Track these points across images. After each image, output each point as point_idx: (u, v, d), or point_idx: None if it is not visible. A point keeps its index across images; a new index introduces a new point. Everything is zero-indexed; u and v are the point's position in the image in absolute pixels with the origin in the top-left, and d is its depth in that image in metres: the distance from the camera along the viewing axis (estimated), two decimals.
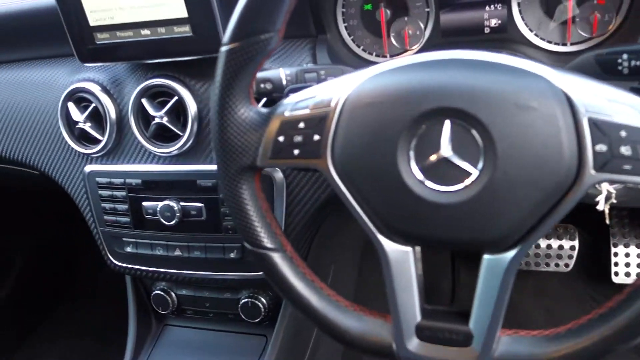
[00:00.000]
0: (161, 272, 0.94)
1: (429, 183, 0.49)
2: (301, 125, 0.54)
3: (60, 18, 0.82)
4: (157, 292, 1.02)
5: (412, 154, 0.50)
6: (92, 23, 0.81)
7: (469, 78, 0.49)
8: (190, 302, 1.02)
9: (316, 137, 0.54)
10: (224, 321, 1.02)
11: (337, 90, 0.54)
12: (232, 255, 0.88)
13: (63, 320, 1.80)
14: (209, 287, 0.99)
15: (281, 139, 0.55)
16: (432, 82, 0.49)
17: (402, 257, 0.54)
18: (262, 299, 0.96)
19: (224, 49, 0.55)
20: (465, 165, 0.48)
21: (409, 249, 0.53)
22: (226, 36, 0.54)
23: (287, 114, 0.55)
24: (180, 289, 1.02)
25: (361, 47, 0.86)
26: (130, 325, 1.04)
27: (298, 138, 0.54)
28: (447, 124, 0.49)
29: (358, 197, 0.53)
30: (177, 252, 0.91)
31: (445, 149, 0.49)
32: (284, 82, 0.67)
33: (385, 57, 0.85)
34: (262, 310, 0.95)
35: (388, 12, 0.83)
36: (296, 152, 0.55)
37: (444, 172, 0.49)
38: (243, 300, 0.96)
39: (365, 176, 0.52)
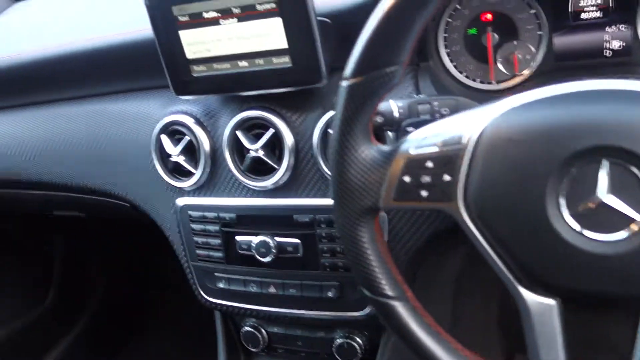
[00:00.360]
0: (254, 310, 0.91)
1: (586, 232, 0.43)
2: (429, 164, 0.50)
3: (156, 50, 0.81)
4: (247, 328, 0.99)
5: (562, 198, 0.44)
6: (189, 56, 0.80)
7: (628, 111, 0.43)
8: (282, 340, 0.98)
9: (447, 178, 0.49)
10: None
11: (468, 126, 0.49)
12: (329, 294, 0.84)
13: (145, 353, 1.81)
14: (301, 325, 0.95)
15: (407, 179, 0.51)
16: (584, 118, 0.44)
17: (546, 311, 0.48)
18: (358, 339, 0.91)
19: (345, 83, 0.51)
20: (628, 210, 0.43)
21: (554, 302, 0.48)
22: (348, 70, 0.51)
23: (412, 152, 0.51)
24: (272, 326, 0.98)
25: (464, 74, 0.81)
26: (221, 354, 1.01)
27: (426, 178, 0.50)
28: (605, 164, 0.43)
29: (496, 244, 0.48)
30: (272, 290, 0.88)
31: (604, 193, 0.43)
32: (396, 115, 0.63)
33: (491, 83, 0.80)
34: (359, 351, 0.91)
35: (495, 36, 0.78)
36: (424, 193, 0.50)
37: (602, 218, 0.43)
38: (338, 341, 0.92)
39: (505, 222, 0.47)
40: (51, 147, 1.06)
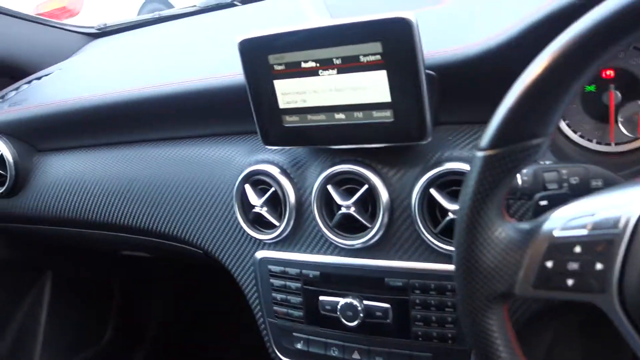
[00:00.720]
0: None
1: None
2: (577, 249, 0.43)
3: (245, 97, 0.78)
4: None
5: None
6: (282, 105, 0.76)
7: None
8: None
9: (599, 266, 0.43)
10: None
11: (626, 207, 0.43)
12: None
13: None
14: None
15: (549, 264, 0.44)
16: None
17: None
18: None
19: (480, 154, 0.46)
20: None
21: None
22: (485, 140, 0.45)
23: (557, 234, 0.45)
24: None
25: (578, 133, 0.74)
26: None
27: (573, 265, 0.44)
28: None
29: None
30: (355, 356, 0.81)
31: None
32: (519, 183, 0.57)
33: (609, 144, 0.73)
34: None
35: (618, 94, 0.71)
36: (570, 282, 0.44)
37: None
38: None
39: None
40: (126, 188, 1.04)
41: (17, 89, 1.23)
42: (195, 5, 1.31)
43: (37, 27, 1.36)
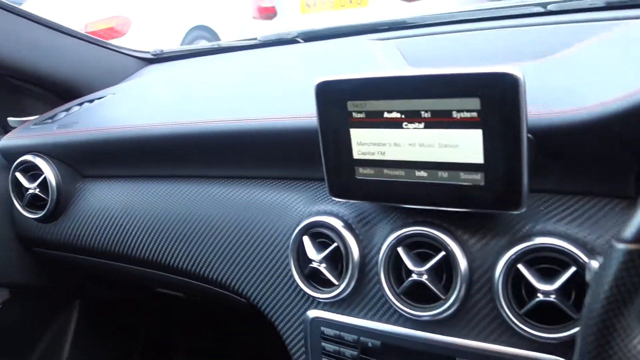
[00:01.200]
0: None
1: None
2: None
3: (313, 141, 0.72)
4: None
5: None
6: (356, 156, 0.70)
7: None
8: None
9: None
10: None
11: None
12: None
13: None
14: None
15: None
16: None
17: None
18: None
19: (623, 247, 0.38)
20: None
21: None
22: (632, 230, 0.38)
23: None
24: None
25: None
26: None
27: None
28: None
29: None
30: None
31: None
32: None
33: None
34: None
35: None
36: None
37: None
38: None
39: None
40: (171, 226, 0.98)
41: (67, 110, 1.19)
42: (256, 39, 1.27)
43: (92, 48, 1.33)
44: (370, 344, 0.74)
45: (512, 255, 0.64)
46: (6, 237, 1.18)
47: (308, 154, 0.80)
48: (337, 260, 0.78)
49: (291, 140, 0.83)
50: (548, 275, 0.63)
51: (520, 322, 0.64)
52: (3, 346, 1.23)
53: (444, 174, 0.65)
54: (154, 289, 1.26)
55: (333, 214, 0.79)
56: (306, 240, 0.79)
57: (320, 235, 0.80)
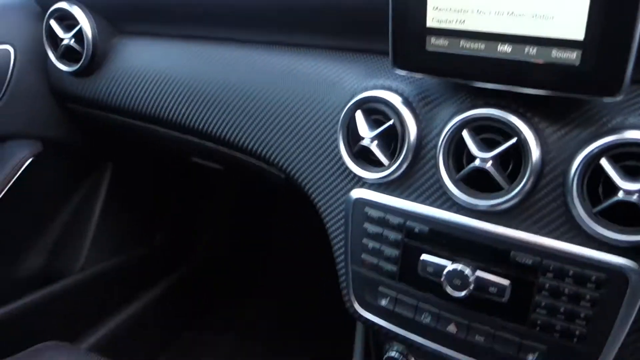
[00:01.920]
0: (418, 343, 0.74)
1: None
2: None
3: (382, 6, 0.64)
4: (393, 355, 0.83)
5: None
6: (429, 24, 0.62)
7: None
8: None
9: None
10: None
11: None
12: (529, 357, 0.66)
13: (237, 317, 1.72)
14: None
15: None
16: None
17: None
18: None
19: None
20: None
21: None
22: None
23: None
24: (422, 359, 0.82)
25: None
26: None
27: None
28: None
29: None
30: (451, 328, 0.71)
31: None
32: None
33: None
34: None
35: None
36: None
37: None
38: None
39: None
40: (211, 91, 0.93)
41: None
42: None
43: None
44: (417, 229, 0.71)
45: (595, 148, 0.58)
46: (40, 90, 1.14)
47: (369, 20, 0.73)
48: (390, 140, 0.73)
49: (351, 3, 0.74)
50: (630, 174, 0.57)
51: (592, 220, 0.59)
52: (37, 198, 1.23)
53: (532, 50, 0.57)
54: (189, 158, 1.23)
55: (391, 89, 0.73)
56: (359, 115, 0.74)
57: (375, 112, 0.74)
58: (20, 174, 1.10)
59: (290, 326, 1.70)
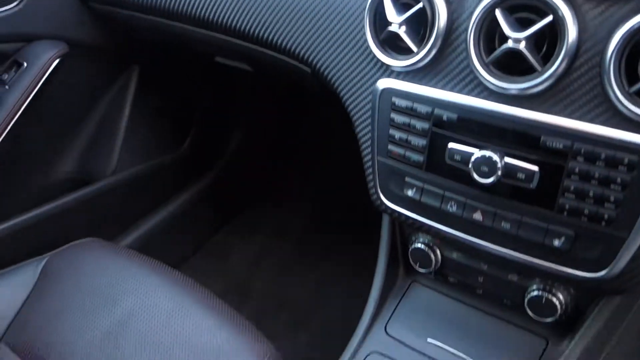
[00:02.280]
0: (444, 232, 0.75)
1: None
2: None
3: None
4: (419, 246, 0.84)
5: None
6: None
7: None
8: (459, 270, 0.83)
9: None
10: (492, 303, 0.82)
11: None
12: (555, 242, 0.66)
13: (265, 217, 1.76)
14: (492, 261, 0.79)
15: None
16: None
17: None
18: (561, 297, 0.74)
19: None
20: None
21: None
22: None
23: None
24: (451, 251, 0.83)
25: None
26: (379, 271, 0.88)
27: None
28: None
29: None
30: (477, 216, 0.71)
31: None
32: None
33: None
34: (558, 311, 0.74)
35: None
36: None
37: None
38: (534, 292, 0.75)
39: None
40: None
41: None
42: None
43: None
44: (445, 117, 0.69)
45: (635, 24, 0.55)
46: None
47: None
48: (419, 25, 0.70)
49: None
50: None
51: (628, 101, 0.57)
52: (66, 101, 1.24)
53: None
54: (213, 57, 1.22)
55: None
56: (387, 1, 0.71)
57: None
58: (48, 76, 1.10)
59: (318, 227, 1.74)
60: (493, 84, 0.64)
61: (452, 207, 0.73)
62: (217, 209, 1.72)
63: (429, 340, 0.82)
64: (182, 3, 0.97)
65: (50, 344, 0.91)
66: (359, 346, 0.83)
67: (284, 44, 0.87)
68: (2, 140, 1.08)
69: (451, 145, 0.69)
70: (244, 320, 0.90)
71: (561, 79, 0.61)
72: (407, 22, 0.70)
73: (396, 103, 0.74)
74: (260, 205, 1.80)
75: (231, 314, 0.91)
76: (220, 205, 1.72)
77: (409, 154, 0.74)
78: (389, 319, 0.86)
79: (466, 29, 0.66)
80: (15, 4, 1.04)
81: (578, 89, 0.61)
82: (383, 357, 0.81)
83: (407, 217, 0.78)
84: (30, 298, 0.97)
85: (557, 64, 0.60)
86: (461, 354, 0.79)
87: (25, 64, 1.07)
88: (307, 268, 1.60)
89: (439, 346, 0.81)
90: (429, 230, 0.77)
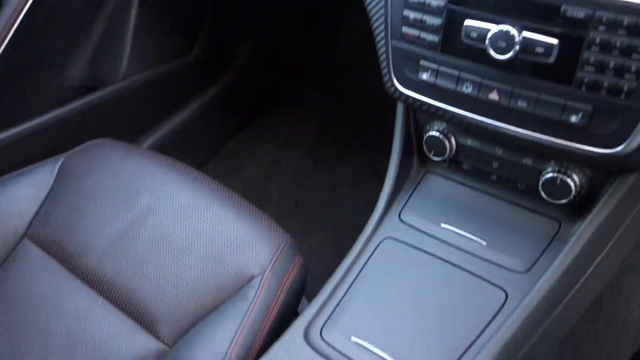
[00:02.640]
0: (458, 115, 0.74)
1: None
2: None
3: None
4: (433, 134, 0.83)
5: None
6: None
7: None
8: (473, 156, 0.83)
9: None
10: (508, 188, 0.83)
11: None
12: (573, 118, 0.65)
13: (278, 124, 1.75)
14: (507, 144, 0.78)
15: None
16: None
17: None
18: (575, 177, 0.74)
19: None
20: None
21: None
22: None
23: None
24: (465, 137, 0.82)
25: None
26: (393, 161, 0.88)
27: None
28: None
29: None
30: (493, 96, 0.70)
31: None
32: None
33: None
34: (573, 192, 0.74)
35: None
36: None
37: None
38: (549, 175, 0.75)
39: None
40: None
41: None
42: None
43: None
44: None
45: None
46: None
47: None
48: None
49: None
50: None
51: None
52: (72, 5, 1.21)
53: None
54: None
55: None
56: None
57: None
58: None
59: (332, 133, 1.73)
60: None
61: (467, 88, 0.71)
62: (229, 117, 1.72)
63: (443, 225, 0.83)
64: None
65: (71, 238, 0.93)
66: (373, 232, 0.84)
67: None
68: (6, 45, 1.07)
69: (467, 22, 0.67)
70: (262, 213, 0.92)
71: None
72: None
73: None
74: (272, 113, 1.79)
75: (249, 207, 0.92)
76: (233, 113, 1.72)
77: (423, 35, 0.72)
78: (403, 207, 0.87)
79: None
80: None
81: None
82: (397, 242, 0.82)
83: (422, 103, 0.77)
84: (50, 196, 0.99)
85: None
86: (474, 237, 0.80)
87: None
88: (322, 172, 1.61)
89: (452, 231, 0.82)
90: (443, 115, 0.77)
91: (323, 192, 1.55)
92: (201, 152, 1.65)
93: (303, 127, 1.75)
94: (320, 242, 1.42)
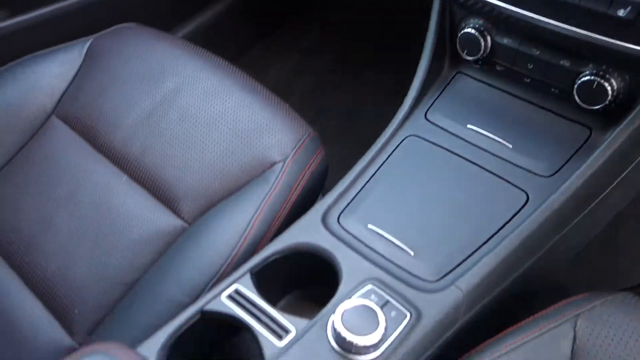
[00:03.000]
0: (502, 8, 0.71)
1: None
2: None
3: None
4: (469, 30, 0.80)
5: None
6: None
7: None
8: (508, 56, 0.80)
9: None
10: (540, 93, 0.80)
11: None
12: (620, 12, 0.62)
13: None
14: (545, 44, 0.75)
15: None
16: None
17: None
18: (613, 82, 0.71)
19: None
20: None
21: None
22: None
23: None
24: (502, 36, 0.79)
25: None
26: (424, 60, 0.86)
27: None
28: None
29: None
30: None
31: None
32: None
33: None
34: (609, 96, 0.71)
35: None
36: None
37: None
38: (586, 77, 0.72)
39: None
40: None
41: None
42: None
43: None
44: None
45: None
46: None
47: None
48: None
49: None
50: None
51: None
52: None
53: None
54: None
55: None
56: None
57: None
58: None
59: (357, 40, 1.69)
60: None
61: None
62: (253, 24, 1.68)
63: (469, 126, 0.81)
64: None
65: (99, 117, 0.94)
66: (397, 129, 0.83)
67: None
68: None
69: None
70: (285, 104, 0.91)
71: None
72: None
73: None
74: (297, 21, 1.74)
75: (273, 97, 0.92)
76: (257, 19, 1.68)
77: None
78: (430, 106, 0.85)
79: None
80: None
81: None
82: (421, 140, 0.81)
83: None
84: (79, 74, 1.00)
85: None
86: (500, 140, 0.79)
87: None
88: (348, 78, 1.58)
89: (478, 132, 0.81)
90: (482, 8, 0.74)
91: (348, 97, 1.53)
92: (224, 55, 1.62)
93: (327, 36, 1.71)
94: (342, 146, 1.42)
